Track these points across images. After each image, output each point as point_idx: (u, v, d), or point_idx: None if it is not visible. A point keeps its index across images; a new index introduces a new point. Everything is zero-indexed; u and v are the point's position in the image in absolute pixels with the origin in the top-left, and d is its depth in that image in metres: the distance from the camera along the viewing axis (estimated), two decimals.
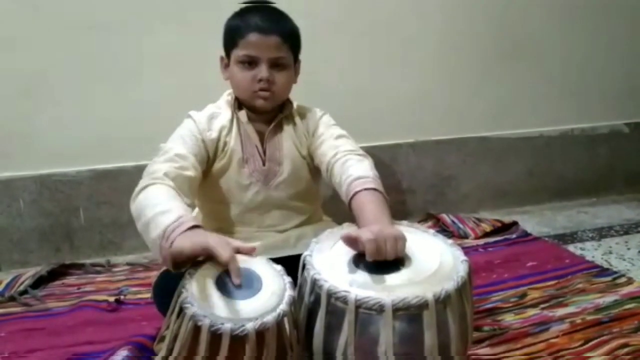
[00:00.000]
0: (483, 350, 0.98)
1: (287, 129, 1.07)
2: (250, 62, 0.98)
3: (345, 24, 1.59)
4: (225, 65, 1.04)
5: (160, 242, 0.76)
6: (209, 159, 1.02)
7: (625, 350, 0.96)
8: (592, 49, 1.86)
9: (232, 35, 1.00)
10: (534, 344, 1.00)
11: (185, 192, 0.89)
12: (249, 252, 0.78)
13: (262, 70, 0.97)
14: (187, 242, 0.73)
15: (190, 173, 0.93)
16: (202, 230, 0.77)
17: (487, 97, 1.80)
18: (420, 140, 1.75)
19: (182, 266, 0.76)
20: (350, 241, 0.76)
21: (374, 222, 0.81)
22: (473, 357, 0.96)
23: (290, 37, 1.01)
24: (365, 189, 0.90)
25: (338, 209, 1.08)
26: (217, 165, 1.03)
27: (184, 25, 1.45)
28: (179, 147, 0.96)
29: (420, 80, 1.71)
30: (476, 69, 1.76)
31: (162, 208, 0.80)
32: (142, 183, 0.88)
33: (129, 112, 1.47)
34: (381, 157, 1.69)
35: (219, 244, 0.72)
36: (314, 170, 1.09)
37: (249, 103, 1.03)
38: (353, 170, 0.95)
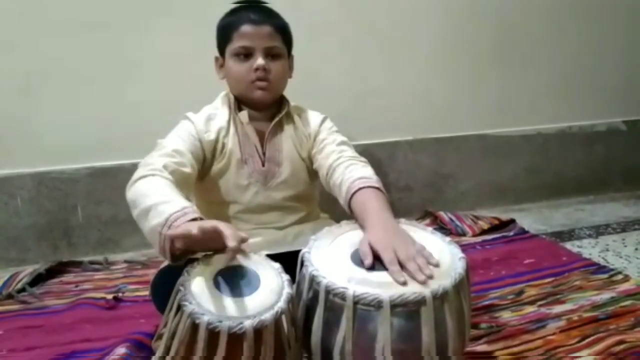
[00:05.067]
0: (480, 347, 0.98)
1: (287, 129, 1.07)
2: (246, 54, 1.00)
3: (344, 22, 1.59)
4: (220, 65, 1.06)
5: (160, 229, 0.75)
6: (206, 160, 1.02)
7: (622, 347, 0.96)
8: (589, 47, 1.87)
9: (226, 32, 1.02)
10: (531, 340, 1.00)
11: (181, 187, 0.88)
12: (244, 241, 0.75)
13: (258, 59, 0.99)
14: (193, 225, 0.71)
15: (187, 170, 0.94)
16: None
17: (485, 95, 1.80)
18: (418, 138, 1.75)
19: (179, 258, 0.75)
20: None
21: (378, 221, 0.81)
22: (470, 354, 0.96)
23: (282, 29, 1.03)
24: (369, 187, 0.90)
25: (335, 208, 1.08)
26: (216, 166, 1.03)
27: (183, 24, 1.45)
28: (177, 144, 0.96)
29: (419, 78, 1.71)
30: (474, 67, 1.76)
31: (165, 198, 0.80)
32: (139, 172, 0.87)
33: (127, 110, 1.46)
34: (379, 155, 1.69)
35: (229, 228, 0.70)
36: (312, 173, 1.09)
37: (247, 97, 1.03)
38: (356, 172, 0.94)
